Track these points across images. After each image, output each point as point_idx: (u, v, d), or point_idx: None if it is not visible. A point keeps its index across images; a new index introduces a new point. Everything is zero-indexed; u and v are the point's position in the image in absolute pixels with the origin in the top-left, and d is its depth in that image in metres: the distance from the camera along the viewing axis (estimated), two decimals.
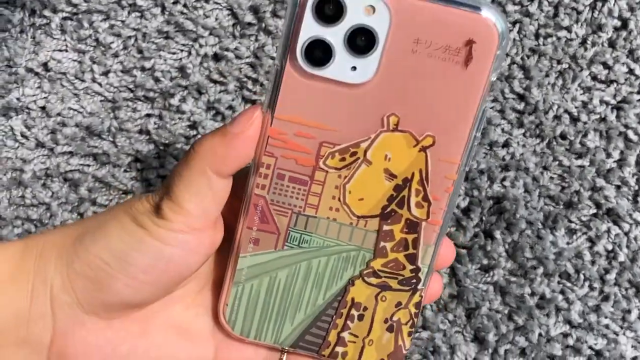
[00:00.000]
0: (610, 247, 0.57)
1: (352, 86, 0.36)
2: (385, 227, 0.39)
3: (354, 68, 0.35)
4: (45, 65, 0.58)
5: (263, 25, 0.59)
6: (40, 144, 0.57)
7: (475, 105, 0.36)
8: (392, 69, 0.35)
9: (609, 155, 0.58)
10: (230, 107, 0.58)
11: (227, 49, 0.58)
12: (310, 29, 0.34)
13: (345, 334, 0.40)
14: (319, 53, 0.35)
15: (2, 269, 0.37)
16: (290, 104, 0.36)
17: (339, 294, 0.40)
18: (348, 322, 0.40)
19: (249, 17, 0.59)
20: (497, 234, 0.56)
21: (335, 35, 0.34)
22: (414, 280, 0.39)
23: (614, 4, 0.60)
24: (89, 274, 0.37)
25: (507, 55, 0.59)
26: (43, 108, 0.57)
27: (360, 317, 0.40)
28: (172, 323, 0.40)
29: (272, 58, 0.58)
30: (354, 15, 0.34)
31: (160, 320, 0.40)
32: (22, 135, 0.57)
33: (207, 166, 0.36)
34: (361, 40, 0.35)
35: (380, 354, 0.41)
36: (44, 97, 0.57)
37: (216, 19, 0.59)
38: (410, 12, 0.35)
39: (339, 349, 0.41)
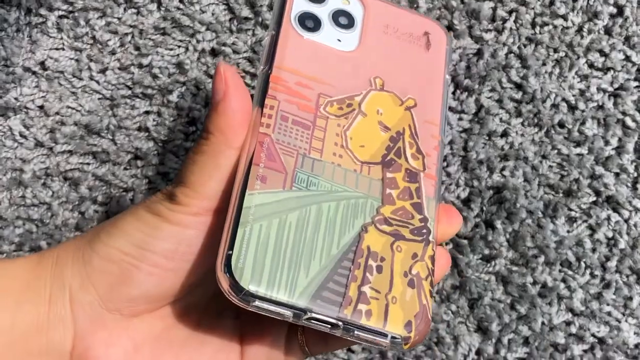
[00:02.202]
0: (610, 234, 0.56)
1: (340, 52, 0.41)
2: (389, 175, 0.39)
3: (339, 40, 0.41)
4: (42, 64, 0.57)
5: (260, 19, 0.57)
6: (39, 144, 0.55)
7: (441, 78, 0.43)
8: (371, 43, 0.42)
9: (607, 143, 0.57)
10: None
11: (224, 44, 0.57)
12: (301, 6, 0.41)
13: (366, 288, 0.36)
14: (310, 22, 0.41)
15: (18, 279, 0.36)
16: (288, 59, 0.39)
17: (353, 242, 0.36)
18: (367, 274, 0.36)
19: (246, 12, 0.57)
20: (498, 224, 0.55)
21: (321, 12, 0.41)
22: (425, 231, 0.38)
23: None
24: (109, 268, 0.35)
25: (504, 44, 0.58)
26: (41, 107, 0.56)
27: (379, 269, 0.36)
28: (196, 322, 0.38)
29: None
30: (334, 2, 0.42)
31: (184, 319, 0.38)
32: (21, 135, 0.55)
33: (217, 143, 0.36)
34: (343, 19, 0.42)
35: (407, 314, 0.36)
36: (42, 96, 0.56)
37: (213, 14, 0.58)
38: (380, 8, 0.43)
39: (362, 307, 0.35)
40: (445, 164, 0.56)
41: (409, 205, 0.39)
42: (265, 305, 0.34)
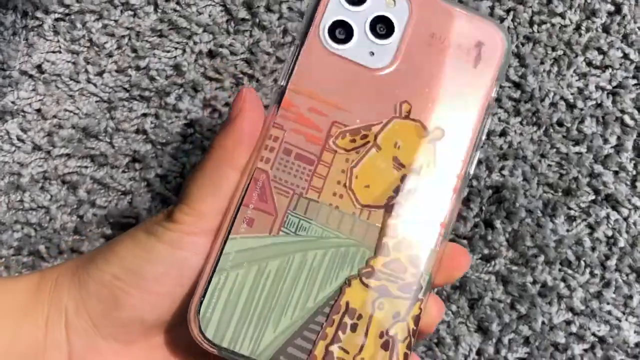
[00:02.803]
0: (610, 233, 0.55)
1: (368, 70, 0.35)
2: (390, 221, 0.35)
3: (372, 53, 0.35)
4: (39, 67, 0.56)
5: (257, 20, 0.57)
6: (37, 147, 0.55)
7: (483, 106, 0.37)
8: (408, 59, 0.36)
9: (606, 141, 0.56)
10: (227, 104, 0.56)
11: (221, 46, 0.56)
12: (336, 9, 0.35)
13: (334, 348, 0.34)
14: (341, 33, 0.35)
15: (18, 300, 0.35)
16: (307, 78, 0.35)
17: (332, 296, 0.34)
18: (339, 332, 0.34)
19: (243, 13, 0.57)
20: (497, 224, 0.54)
21: (357, 18, 0.35)
22: (415, 287, 0.35)
23: None
24: (102, 293, 0.34)
25: None
26: (38, 111, 0.55)
27: (354, 327, 0.34)
28: (196, 351, 0.36)
29: (268, 53, 0.56)
30: (377, 3, 0.36)
31: (183, 347, 0.36)
32: (19, 139, 0.55)
33: (220, 161, 0.34)
34: (380, 28, 0.36)
35: None
36: (39, 100, 0.55)
37: (210, 16, 0.57)
38: (429, 9, 0.36)
39: None
40: None
41: (404, 257, 0.35)
42: (230, 355, 0.33)
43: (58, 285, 0.35)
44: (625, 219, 0.55)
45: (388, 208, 0.35)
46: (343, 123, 0.35)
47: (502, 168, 0.56)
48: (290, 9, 0.57)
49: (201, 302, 0.33)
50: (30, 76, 0.56)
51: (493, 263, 0.54)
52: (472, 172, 0.37)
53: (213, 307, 0.33)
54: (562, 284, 0.54)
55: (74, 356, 0.35)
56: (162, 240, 0.34)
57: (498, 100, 0.57)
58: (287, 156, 0.34)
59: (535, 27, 0.58)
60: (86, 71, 0.56)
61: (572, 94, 0.57)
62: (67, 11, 0.56)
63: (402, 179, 0.35)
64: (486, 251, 0.54)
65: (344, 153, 0.35)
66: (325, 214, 0.34)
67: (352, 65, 0.35)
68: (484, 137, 0.37)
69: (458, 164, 0.36)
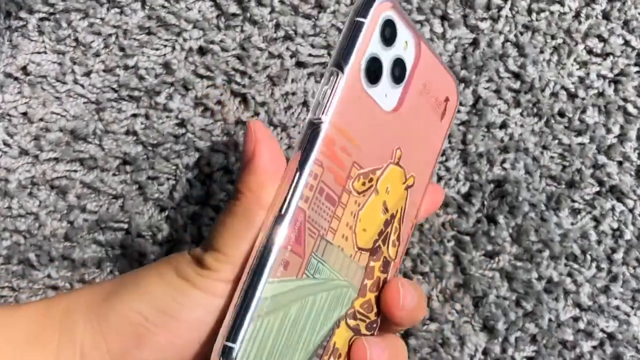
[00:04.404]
0: (615, 225, 0.53)
1: (382, 112, 0.35)
2: (371, 263, 0.35)
3: (386, 96, 0.35)
4: (24, 69, 0.53)
5: (248, 15, 0.54)
6: (23, 152, 0.52)
7: (438, 157, 0.39)
8: (407, 105, 0.36)
9: (609, 131, 0.54)
10: (219, 102, 0.53)
11: (212, 42, 0.54)
12: (375, 47, 0.33)
13: None
14: (374, 71, 0.34)
15: (25, 329, 0.33)
16: (342, 114, 0.32)
17: (326, 337, 0.33)
18: None
19: (233, 8, 0.54)
20: (501, 219, 0.52)
21: (386, 59, 0.34)
22: (375, 325, 0.36)
23: None
24: (126, 329, 0.32)
25: (501, 33, 0.55)
26: (24, 114, 0.53)
27: None
28: None
29: (260, 49, 0.53)
30: (398, 45, 0.35)
31: None
32: (5, 144, 0.52)
33: (248, 205, 0.32)
34: (397, 70, 0.35)
35: None
36: (25, 103, 0.53)
37: (199, 11, 0.54)
38: (425, 57, 0.36)
39: None
40: (444, 158, 0.53)
41: (373, 297, 0.35)
42: None
43: (70, 315, 0.33)
44: (631, 211, 0.53)
45: (372, 251, 0.35)
46: (360, 164, 0.34)
47: (504, 161, 0.53)
48: (281, 2, 0.54)
49: (230, 350, 0.29)
50: (15, 78, 0.53)
51: (497, 259, 0.52)
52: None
53: (247, 355, 0.30)
54: (568, 279, 0.51)
55: None
56: (199, 287, 0.32)
57: (497, 91, 0.54)
58: (320, 196, 0.32)
59: (534, 15, 0.55)
60: (73, 72, 0.53)
61: (573, 83, 0.55)
62: (51, 10, 0.54)
63: (385, 223, 0.36)
64: (489, 247, 0.52)
65: (355, 196, 0.34)
66: (334, 256, 0.33)
67: (374, 106, 0.34)
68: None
69: (415, 209, 0.38)
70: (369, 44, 0.33)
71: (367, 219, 0.34)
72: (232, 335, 0.29)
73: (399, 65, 0.35)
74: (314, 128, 0.32)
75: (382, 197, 0.35)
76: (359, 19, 0.33)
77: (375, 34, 0.33)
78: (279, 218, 0.31)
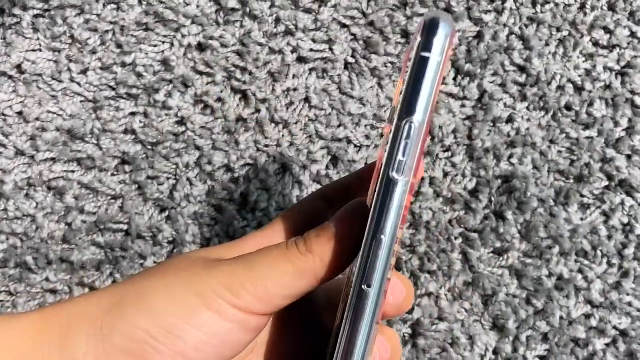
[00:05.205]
0: (625, 220, 0.51)
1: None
2: None
3: None
4: (19, 67, 0.52)
5: (248, 10, 0.52)
6: (19, 152, 0.50)
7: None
8: None
9: (617, 124, 0.53)
10: (220, 100, 0.51)
11: (211, 38, 0.52)
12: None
13: None
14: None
15: (21, 345, 0.31)
16: (417, 161, 0.28)
17: None
18: None
19: (232, 2, 0.52)
20: (509, 215, 0.50)
21: None
22: None
23: None
24: (132, 349, 0.30)
25: (505, 26, 0.53)
26: (20, 113, 0.51)
27: None
28: None
29: (260, 44, 0.52)
30: None
31: None
32: (0, 144, 0.50)
33: (309, 270, 0.30)
34: None
35: None
36: (21, 102, 0.51)
37: (198, 7, 0.52)
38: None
39: None
40: (449, 153, 0.51)
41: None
42: None
43: (71, 330, 0.31)
44: None
45: None
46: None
47: (511, 156, 0.52)
48: None
49: None
50: (10, 77, 0.52)
51: (506, 257, 0.50)
52: None
53: None
54: (579, 276, 0.50)
55: None
56: (211, 308, 0.30)
57: (503, 85, 0.52)
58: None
59: (539, 8, 0.54)
60: (69, 70, 0.52)
61: (579, 76, 0.53)
62: (46, 7, 0.52)
63: None
64: (498, 244, 0.50)
65: None
66: None
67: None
68: None
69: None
70: (439, 81, 0.28)
71: None
72: None
73: None
74: (394, 188, 0.28)
75: None
76: (424, 54, 0.27)
77: (444, 68, 0.28)
78: (369, 295, 0.29)
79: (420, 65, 0.27)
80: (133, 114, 0.51)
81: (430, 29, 0.27)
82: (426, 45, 0.27)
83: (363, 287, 0.28)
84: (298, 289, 0.31)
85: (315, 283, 0.31)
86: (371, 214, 0.28)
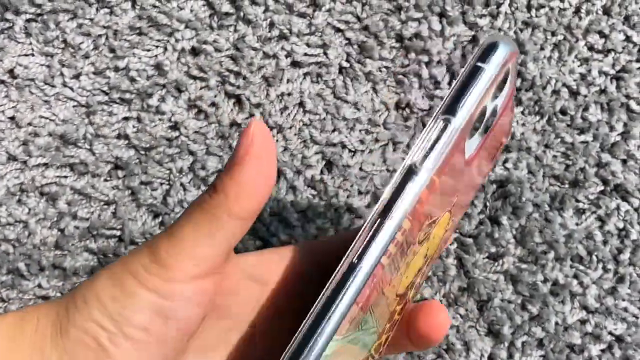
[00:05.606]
0: (621, 225, 0.51)
1: (463, 161, 0.30)
2: (396, 307, 0.32)
3: (472, 144, 0.31)
4: (11, 72, 0.51)
5: (241, 14, 0.52)
6: (11, 157, 0.50)
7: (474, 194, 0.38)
8: (479, 154, 0.32)
9: (612, 129, 0.52)
10: (213, 104, 0.51)
11: (205, 42, 0.52)
12: (488, 96, 0.29)
13: None
14: (480, 122, 0.30)
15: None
16: (441, 168, 0.28)
17: None
18: None
19: (226, 7, 0.52)
20: (504, 220, 0.50)
21: (489, 109, 0.30)
22: None
23: None
24: (87, 342, 0.29)
25: (500, 30, 0.53)
26: (12, 118, 0.51)
27: None
28: None
29: (254, 49, 0.51)
30: (503, 94, 0.31)
31: None
32: None
33: (218, 207, 0.29)
34: (491, 120, 0.31)
35: None
36: (13, 107, 0.51)
37: (191, 11, 0.52)
38: (510, 104, 0.33)
39: None
40: None
41: (384, 338, 0.32)
42: None
43: (40, 330, 0.30)
44: (637, 210, 0.51)
45: (401, 297, 0.32)
46: (431, 215, 0.30)
47: (506, 161, 0.51)
48: (276, 0, 0.52)
49: None
50: (2, 82, 0.52)
51: (501, 262, 0.50)
52: None
53: None
54: (574, 281, 0.50)
55: None
56: (144, 286, 0.29)
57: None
58: (399, 250, 0.28)
59: (534, 12, 0.54)
60: (62, 74, 0.51)
61: (574, 80, 0.53)
62: (39, 11, 0.52)
63: (419, 271, 0.32)
64: (493, 249, 0.50)
65: (416, 246, 0.30)
66: (381, 306, 0.30)
67: (462, 156, 0.30)
68: None
69: (443, 246, 0.35)
70: (485, 94, 0.28)
71: (413, 267, 0.31)
72: None
73: (493, 116, 0.31)
74: (412, 176, 0.28)
75: (428, 244, 0.32)
76: (480, 64, 0.28)
77: (495, 84, 0.29)
78: (356, 271, 0.27)
79: (472, 73, 0.28)
80: (126, 118, 0.51)
81: (488, 47, 0.28)
82: (482, 58, 0.28)
83: (354, 260, 0.27)
84: (219, 237, 0.30)
85: (230, 220, 0.29)
86: (384, 196, 0.28)
